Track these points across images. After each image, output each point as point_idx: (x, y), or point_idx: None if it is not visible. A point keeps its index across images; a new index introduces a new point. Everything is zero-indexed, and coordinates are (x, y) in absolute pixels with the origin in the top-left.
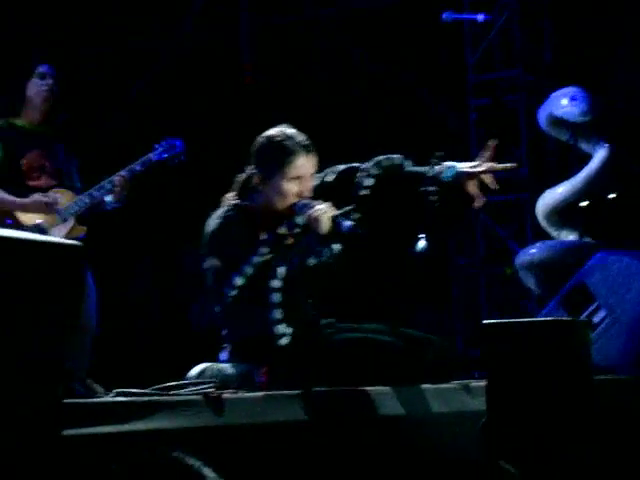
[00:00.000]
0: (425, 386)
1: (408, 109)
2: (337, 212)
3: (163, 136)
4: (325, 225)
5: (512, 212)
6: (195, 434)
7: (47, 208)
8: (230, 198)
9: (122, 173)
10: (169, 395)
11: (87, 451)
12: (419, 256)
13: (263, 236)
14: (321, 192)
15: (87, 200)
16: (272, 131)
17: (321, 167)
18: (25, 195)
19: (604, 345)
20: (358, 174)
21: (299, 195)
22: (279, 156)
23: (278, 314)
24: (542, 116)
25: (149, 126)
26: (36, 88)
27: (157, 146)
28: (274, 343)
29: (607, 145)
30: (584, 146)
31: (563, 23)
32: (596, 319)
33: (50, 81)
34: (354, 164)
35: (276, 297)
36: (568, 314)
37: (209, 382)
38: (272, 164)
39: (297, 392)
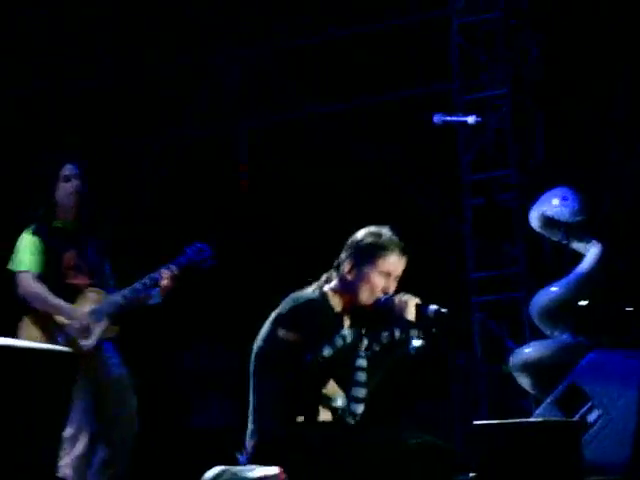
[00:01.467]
0: None
1: (405, 210)
2: (419, 300)
3: (187, 241)
4: (412, 310)
5: (509, 310)
6: None
7: (84, 328)
8: (320, 284)
9: (170, 267)
10: None
11: None
12: (416, 356)
13: (346, 322)
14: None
15: (127, 295)
16: (370, 229)
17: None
18: (63, 294)
19: (598, 445)
20: None
21: (384, 291)
22: (376, 248)
23: (362, 393)
24: (534, 216)
25: (152, 229)
26: (63, 191)
27: (187, 249)
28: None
29: (599, 244)
30: (576, 245)
31: (554, 122)
32: (590, 419)
33: (76, 182)
34: None
35: (361, 377)
36: (562, 414)
37: None
38: (367, 254)
39: None
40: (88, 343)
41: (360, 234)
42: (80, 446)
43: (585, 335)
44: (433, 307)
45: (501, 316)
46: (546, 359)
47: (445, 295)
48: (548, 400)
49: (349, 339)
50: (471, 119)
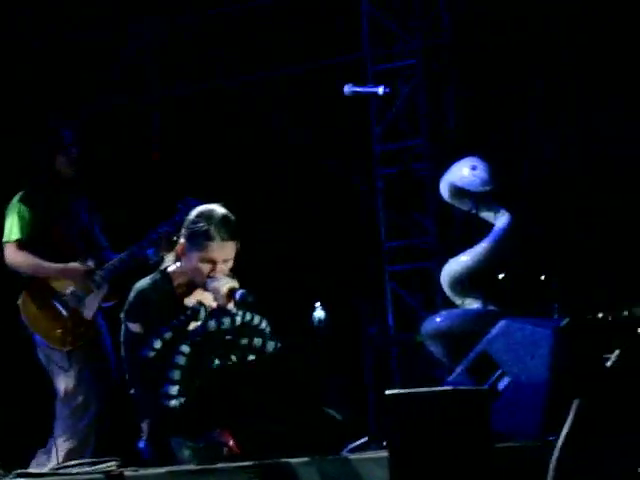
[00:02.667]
0: (331, 457)
1: (315, 177)
2: (236, 284)
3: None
4: (223, 294)
5: (420, 280)
6: None
7: (84, 274)
8: (168, 260)
9: (165, 228)
10: (70, 475)
11: None
12: (319, 327)
13: (191, 300)
14: None
15: (125, 259)
16: (203, 208)
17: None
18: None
19: (509, 412)
20: None
21: (209, 276)
22: (199, 237)
23: (177, 375)
24: (444, 186)
25: None
26: (63, 159)
27: (180, 206)
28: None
29: (507, 213)
30: (485, 215)
31: (465, 92)
32: (501, 386)
33: (74, 150)
34: None
35: (180, 360)
36: (473, 382)
37: (112, 460)
38: (192, 242)
39: (200, 467)
40: (89, 312)
41: (192, 215)
42: (91, 413)
43: (495, 304)
44: (240, 292)
45: (413, 285)
46: (457, 328)
47: (358, 264)
48: (459, 369)
49: (176, 331)
50: (381, 90)
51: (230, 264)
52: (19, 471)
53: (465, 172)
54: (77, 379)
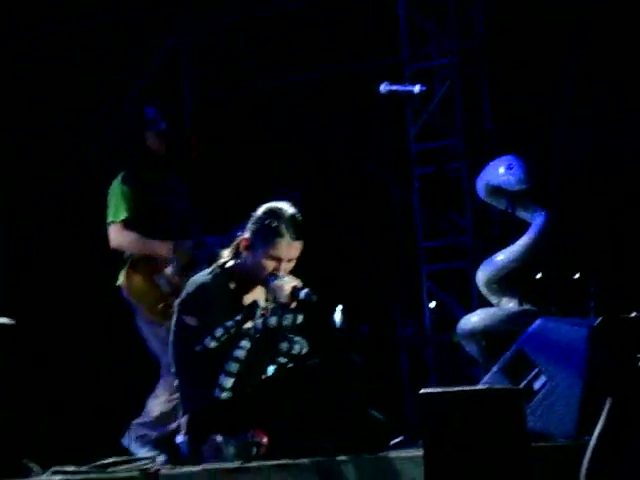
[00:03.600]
0: (367, 456)
1: (353, 179)
2: (299, 283)
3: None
4: (286, 293)
5: (457, 280)
6: None
7: (186, 251)
8: (224, 256)
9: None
10: (106, 472)
11: None
12: (340, 329)
13: (247, 299)
14: None
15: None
16: (272, 206)
17: None
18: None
19: (544, 412)
20: None
21: (272, 274)
22: (267, 233)
23: (234, 368)
24: (480, 185)
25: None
26: (152, 135)
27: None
28: (215, 391)
29: (544, 212)
30: (522, 214)
31: (501, 91)
32: (536, 386)
33: (162, 124)
34: None
35: (240, 353)
36: (509, 381)
37: (147, 458)
38: (259, 238)
39: (237, 465)
40: None
41: (259, 212)
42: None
43: (532, 303)
44: (304, 291)
45: (450, 285)
46: (493, 327)
47: (396, 265)
48: (495, 368)
49: (231, 330)
50: (417, 88)
51: (293, 264)
52: (55, 468)
53: (501, 171)
54: None
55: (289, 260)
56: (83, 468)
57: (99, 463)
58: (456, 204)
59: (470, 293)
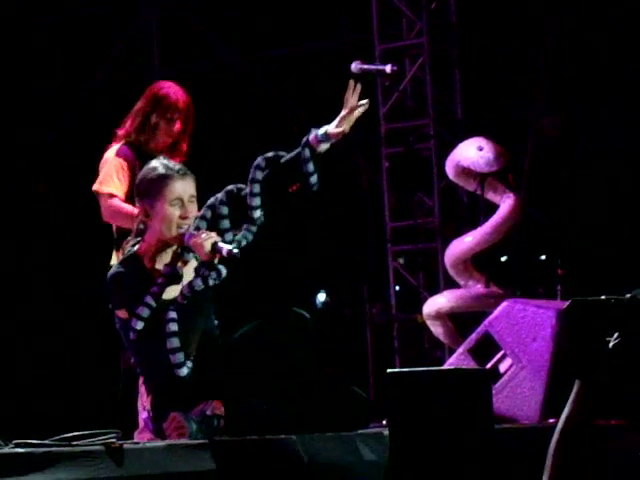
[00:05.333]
0: (330, 434)
1: (322, 158)
2: (218, 239)
3: None
4: (206, 251)
5: (424, 261)
6: None
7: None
8: (129, 242)
9: None
10: (70, 446)
11: None
12: (322, 310)
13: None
14: (213, 216)
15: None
16: (148, 165)
17: None
18: None
19: (509, 394)
20: (247, 186)
21: (182, 218)
22: (157, 182)
23: (176, 342)
24: (449, 166)
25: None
26: (166, 126)
27: None
28: (173, 371)
29: (512, 195)
30: (491, 196)
31: (473, 74)
32: (502, 368)
33: (179, 122)
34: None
35: (173, 327)
36: (475, 363)
37: (111, 432)
38: (152, 192)
39: (200, 442)
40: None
41: (137, 179)
42: None
43: (498, 285)
44: (227, 248)
45: (416, 266)
46: (459, 308)
47: (364, 244)
48: (460, 349)
49: (151, 304)
50: (388, 67)
51: (195, 205)
52: (17, 441)
53: (471, 152)
54: None
55: (190, 199)
56: (46, 441)
57: (62, 436)
58: (425, 185)
59: (437, 274)
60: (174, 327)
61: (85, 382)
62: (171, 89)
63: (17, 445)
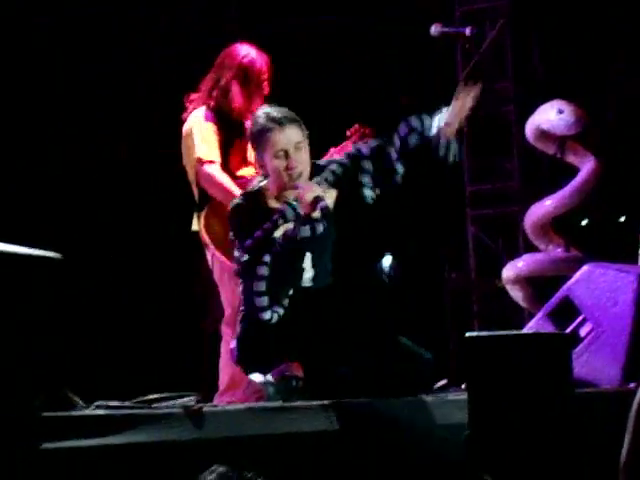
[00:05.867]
0: (409, 398)
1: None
2: (321, 193)
3: None
4: (306, 203)
5: (503, 225)
6: (176, 447)
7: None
8: (254, 180)
9: None
10: (150, 408)
11: (66, 465)
12: (390, 275)
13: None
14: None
15: None
16: (254, 115)
17: None
18: None
19: (589, 358)
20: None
21: (289, 169)
22: (260, 135)
23: (262, 286)
24: (529, 129)
25: None
26: (239, 93)
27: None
28: (257, 314)
29: (593, 158)
30: (571, 159)
31: (553, 36)
32: (582, 332)
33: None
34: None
35: (262, 270)
36: (555, 327)
37: (191, 395)
38: (257, 144)
39: (278, 405)
40: None
41: (248, 130)
42: None
43: (579, 249)
44: (323, 204)
45: (496, 230)
46: (539, 273)
47: (441, 207)
48: (540, 314)
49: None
50: (468, 30)
51: (304, 152)
52: (98, 402)
53: (551, 115)
54: None
55: (296, 147)
56: (126, 403)
57: (142, 399)
58: (504, 148)
59: (516, 238)
60: (263, 271)
61: (167, 345)
62: (255, 57)
63: (98, 407)
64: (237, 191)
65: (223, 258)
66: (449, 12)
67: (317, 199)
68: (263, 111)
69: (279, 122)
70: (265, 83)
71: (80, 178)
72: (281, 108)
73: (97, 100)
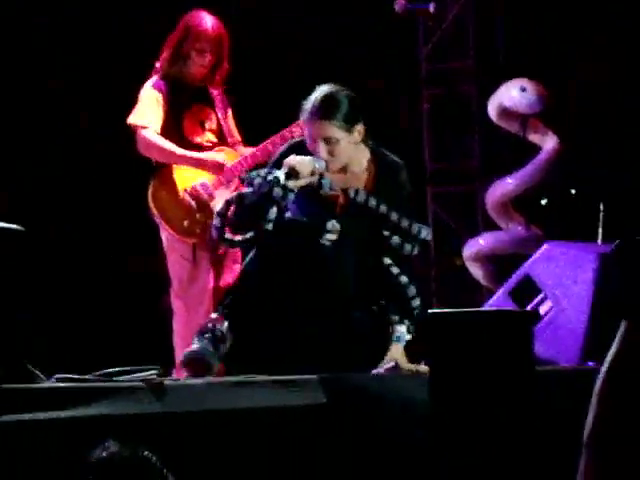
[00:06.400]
0: (372, 373)
1: (361, 97)
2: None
3: None
4: (307, 171)
5: (463, 203)
6: (136, 421)
7: (219, 169)
8: None
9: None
10: (111, 381)
11: (25, 438)
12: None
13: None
14: None
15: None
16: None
17: None
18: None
19: (550, 336)
20: None
21: (315, 153)
22: (301, 114)
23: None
24: (491, 107)
25: None
26: (198, 59)
27: None
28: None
29: (555, 137)
30: (533, 137)
31: (517, 14)
32: (542, 311)
33: (209, 55)
34: None
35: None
36: (515, 305)
37: (152, 369)
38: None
39: (239, 379)
40: (219, 206)
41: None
42: (204, 309)
43: (539, 227)
44: (324, 181)
45: (455, 208)
46: (499, 251)
47: None
48: (500, 292)
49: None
50: (432, 7)
51: (336, 147)
52: (59, 375)
53: (514, 93)
54: (197, 271)
55: (326, 141)
56: (87, 376)
57: (103, 372)
58: (465, 126)
59: (476, 216)
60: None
61: (125, 320)
62: (203, 19)
63: (58, 380)
64: (178, 150)
65: (168, 228)
66: None
67: (313, 173)
68: (317, 92)
69: (307, 114)
70: (213, 49)
71: (80, 178)
72: (335, 98)
73: (97, 100)
